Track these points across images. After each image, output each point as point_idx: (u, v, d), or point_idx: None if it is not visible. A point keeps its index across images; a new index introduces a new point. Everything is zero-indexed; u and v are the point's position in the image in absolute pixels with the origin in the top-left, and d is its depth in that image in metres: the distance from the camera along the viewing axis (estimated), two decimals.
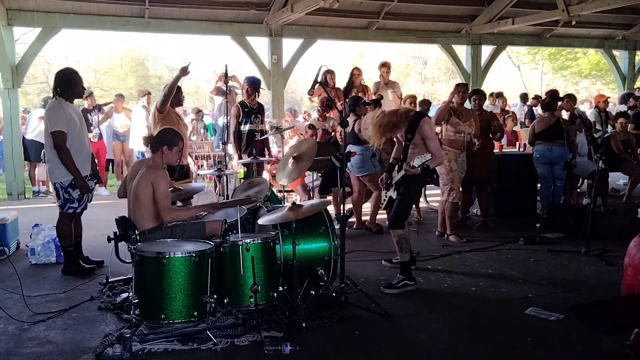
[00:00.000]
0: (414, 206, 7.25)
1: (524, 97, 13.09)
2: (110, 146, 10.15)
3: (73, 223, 4.96)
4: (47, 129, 4.77)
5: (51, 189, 9.29)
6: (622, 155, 8.11)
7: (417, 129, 4.39)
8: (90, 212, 5.17)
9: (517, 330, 3.68)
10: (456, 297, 4.34)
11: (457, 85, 6.32)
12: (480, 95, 6.79)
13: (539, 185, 7.47)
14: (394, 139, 4.84)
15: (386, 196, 4.70)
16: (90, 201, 5.05)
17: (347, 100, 6.84)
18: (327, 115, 7.48)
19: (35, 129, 9.26)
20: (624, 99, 10.91)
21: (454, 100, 6.11)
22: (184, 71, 5.46)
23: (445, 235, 6.17)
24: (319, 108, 7.55)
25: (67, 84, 4.85)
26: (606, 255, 5.32)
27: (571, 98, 8.35)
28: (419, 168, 4.22)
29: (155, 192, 3.89)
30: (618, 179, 9.65)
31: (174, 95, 5.61)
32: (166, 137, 4.13)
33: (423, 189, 7.75)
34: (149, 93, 10.41)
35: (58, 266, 5.08)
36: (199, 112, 12.38)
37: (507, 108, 11.35)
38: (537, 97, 13.07)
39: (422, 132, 4.39)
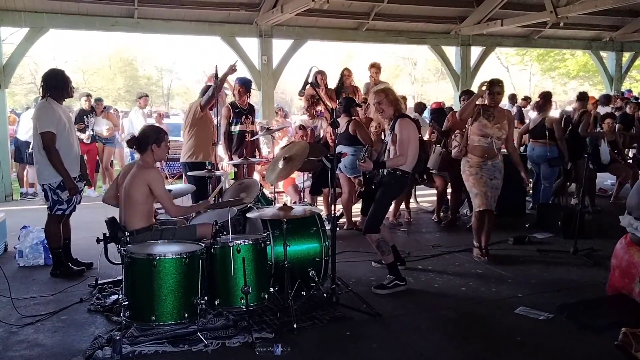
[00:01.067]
0: (403, 207, 7.29)
1: (512, 98, 13.17)
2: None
3: (62, 225, 4.92)
4: (36, 129, 4.74)
5: (39, 190, 9.20)
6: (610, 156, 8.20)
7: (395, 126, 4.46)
8: (79, 213, 5.14)
9: (507, 329, 3.71)
10: (446, 297, 4.36)
11: (490, 81, 5.22)
12: (469, 95, 6.75)
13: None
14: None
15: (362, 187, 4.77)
16: (79, 203, 5.02)
17: (339, 101, 6.84)
18: (315, 112, 7.48)
19: (29, 130, 9.15)
20: (602, 101, 10.99)
21: (485, 98, 5.24)
22: (232, 69, 5.55)
23: (475, 251, 5.42)
24: (306, 106, 7.55)
25: (57, 84, 4.82)
26: (594, 254, 5.37)
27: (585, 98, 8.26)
28: (367, 159, 4.30)
29: (155, 193, 3.92)
30: (606, 179, 9.75)
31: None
32: (152, 135, 4.12)
33: (413, 190, 7.79)
34: (147, 95, 10.49)
35: (46, 268, 5.03)
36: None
37: None
38: (526, 98, 13.17)
39: (397, 129, 4.43)
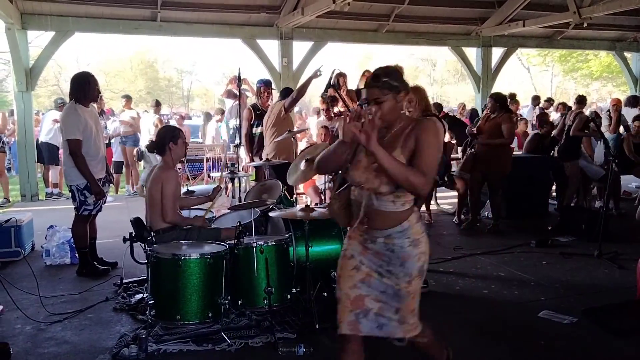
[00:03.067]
0: (424, 209, 7.26)
1: (535, 99, 13.07)
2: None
3: (88, 224, 5.02)
4: (63, 133, 4.85)
5: (64, 191, 9.38)
6: (632, 158, 8.07)
7: None
8: (103, 213, 5.23)
9: (530, 333, 3.68)
10: (468, 300, 4.34)
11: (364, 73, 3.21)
12: (491, 98, 6.73)
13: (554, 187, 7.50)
14: None
15: None
16: (105, 203, 5.11)
17: (359, 103, 6.85)
18: (333, 114, 7.49)
19: (50, 132, 9.36)
20: (629, 102, 10.82)
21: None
22: (316, 74, 5.75)
23: None
24: (325, 108, 7.55)
25: (81, 88, 4.88)
26: (619, 258, 5.29)
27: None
28: None
29: (162, 190, 3.96)
30: (630, 182, 9.59)
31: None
32: (168, 134, 4.19)
33: (434, 192, 7.76)
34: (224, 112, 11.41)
35: (73, 267, 5.14)
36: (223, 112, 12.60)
37: (518, 111, 11.30)
38: (549, 100, 13.06)
39: None
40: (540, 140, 7.82)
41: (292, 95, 6.07)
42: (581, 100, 8.12)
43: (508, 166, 6.66)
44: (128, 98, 10.37)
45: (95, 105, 5.26)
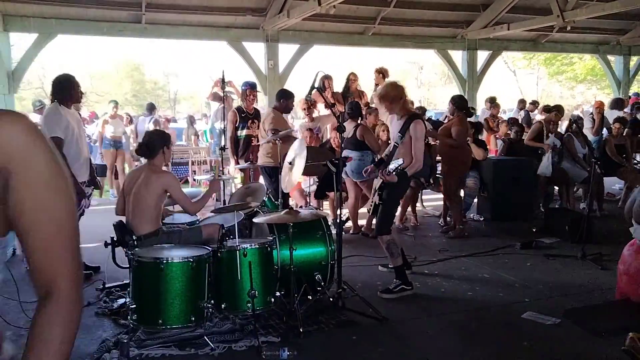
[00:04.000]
0: (410, 211, 7.28)
1: (521, 103, 13.18)
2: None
3: None
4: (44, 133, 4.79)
5: None
6: (616, 160, 8.17)
7: (409, 128, 4.42)
8: (86, 217, 5.15)
9: (514, 334, 3.70)
10: (453, 302, 4.35)
11: None
12: (449, 102, 6.82)
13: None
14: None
15: (371, 203, 4.72)
16: (88, 207, 5.05)
17: (348, 106, 6.83)
18: (313, 114, 7.49)
19: None
20: (615, 104, 10.96)
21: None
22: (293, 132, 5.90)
23: None
24: (305, 107, 7.51)
25: (64, 89, 4.85)
26: (602, 259, 5.34)
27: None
28: (394, 174, 4.24)
29: (173, 196, 4.00)
30: (614, 184, 9.70)
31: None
32: (164, 137, 4.25)
33: (419, 194, 7.77)
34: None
35: None
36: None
37: (499, 115, 11.37)
38: (534, 102, 13.18)
39: (412, 131, 4.40)
40: (510, 145, 7.93)
41: (274, 132, 5.97)
42: (550, 109, 8.24)
43: (462, 170, 6.75)
44: (115, 104, 10.19)
45: (79, 105, 5.22)
